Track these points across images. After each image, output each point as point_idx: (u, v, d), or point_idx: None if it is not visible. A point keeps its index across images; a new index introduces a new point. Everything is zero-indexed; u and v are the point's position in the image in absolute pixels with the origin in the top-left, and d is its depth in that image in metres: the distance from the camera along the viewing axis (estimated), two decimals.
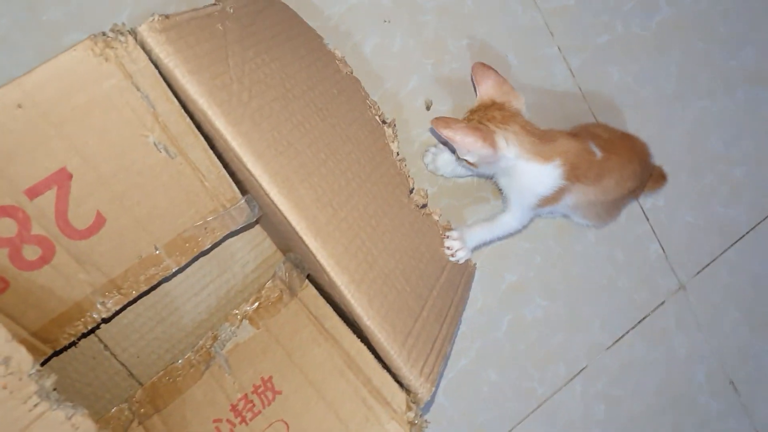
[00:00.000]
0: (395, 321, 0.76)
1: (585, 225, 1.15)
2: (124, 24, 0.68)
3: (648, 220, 1.27)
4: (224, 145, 0.70)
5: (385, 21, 1.09)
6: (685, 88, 1.30)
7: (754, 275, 1.36)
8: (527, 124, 0.91)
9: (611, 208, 1.07)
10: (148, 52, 0.67)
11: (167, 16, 0.68)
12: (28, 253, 0.70)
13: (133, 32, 0.66)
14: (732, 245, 1.35)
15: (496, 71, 0.94)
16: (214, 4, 0.75)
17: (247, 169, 0.70)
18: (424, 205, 0.89)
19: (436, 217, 0.91)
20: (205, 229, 0.82)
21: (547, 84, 1.19)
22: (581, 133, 1.01)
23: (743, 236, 1.36)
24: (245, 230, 0.94)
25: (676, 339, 1.30)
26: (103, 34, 0.65)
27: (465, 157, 0.89)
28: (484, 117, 0.90)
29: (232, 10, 0.74)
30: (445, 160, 1.06)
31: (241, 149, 0.69)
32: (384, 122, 0.89)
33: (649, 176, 1.08)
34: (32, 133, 0.65)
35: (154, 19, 0.66)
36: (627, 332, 1.27)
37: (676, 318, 1.30)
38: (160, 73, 0.68)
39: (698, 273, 1.32)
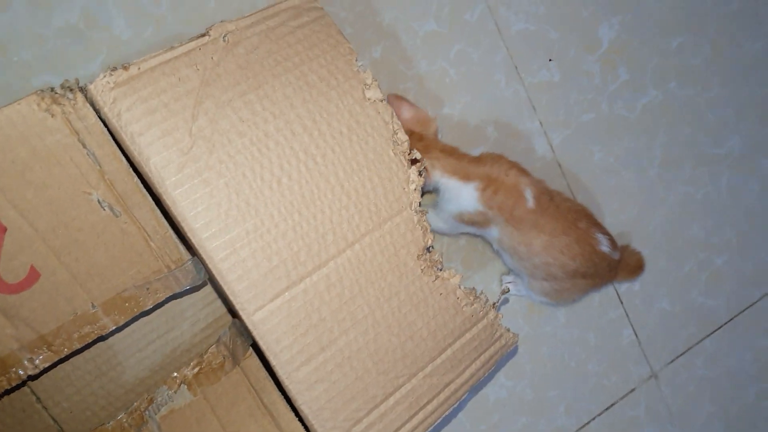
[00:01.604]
0: (339, 408, 0.72)
1: (538, 300, 1.13)
2: (77, 80, 0.66)
3: (622, 303, 1.24)
4: (169, 207, 0.68)
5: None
6: (669, 172, 1.28)
7: (731, 368, 1.32)
8: (446, 147, 0.97)
9: (550, 281, 1.03)
10: (97, 110, 0.65)
11: (127, 67, 0.66)
12: None
13: (84, 89, 0.65)
14: (709, 335, 1.31)
15: (407, 101, 0.98)
16: (203, 35, 0.71)
17: (187, 236, 0.67)
18: (440, 268, 0.79)
19: (453, 280, 0.80)
20: (147, 289, 0.78)
21: (527, 158, 1.17)
22: (534, 182, 0.99)
23: (721, 326, 1.32)
24: (192, 292, 0.91)
25: (645, 430, 1.25)
26: (52, 89, 0.64)
27: None
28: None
29: (226, 40, 0.70)
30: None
31: (181, 216, 0.66)
32: (414, 161, 0.79)
33: (604, 265, 1.04)
34: None
35: (106, 76, 0.64)
36: (594, 418, 1.22)
37: (646, 407, 1.26)
38: (110, 130, 0.66)
39: (672, 361, 1.28)
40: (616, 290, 1.23)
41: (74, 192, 0.69)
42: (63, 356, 0.77)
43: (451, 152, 0.96)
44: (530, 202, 0.95)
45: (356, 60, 0.77)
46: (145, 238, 0.75)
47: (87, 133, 0.66)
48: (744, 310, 1.33)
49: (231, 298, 0.69)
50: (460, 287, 0.79)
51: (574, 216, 1.00)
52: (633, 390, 1.25)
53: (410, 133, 0.93)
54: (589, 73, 1.23)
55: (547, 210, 0.97)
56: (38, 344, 0.74)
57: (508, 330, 0.84)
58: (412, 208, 0.77)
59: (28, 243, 0.68)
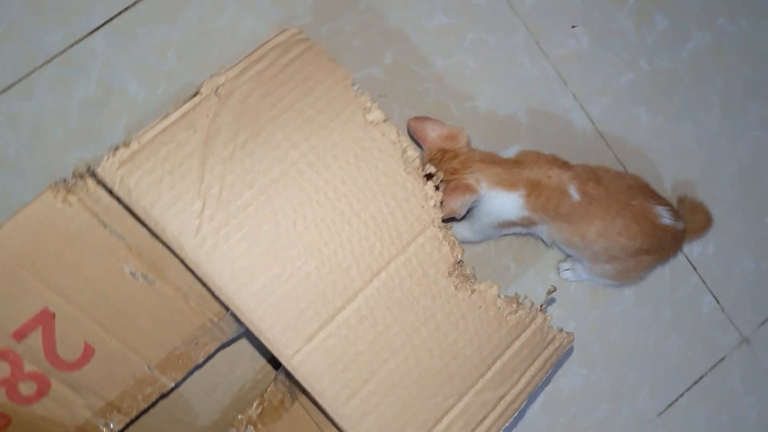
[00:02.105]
0: None
1: (602, 284, 1.07)
2: (87, 166, 0.69)
3: (696, 270, 1.15)
4: (192, 269, 0.69)
5: (381, 96, 1.05)
6: (732, 120, 1.17)
7: None
8: (485, 156, 0.93)
9: (613, 263, 0.97)
10: (109, 190, 0.68)
11: (128, 144, 0.68)
12: (24, 389, 0.73)
13: (92, 173, 0.67)
14: None
15: (430, 119, 0.93)
16: (195, 95, 0.72)
17: (215, 294, 0.69)
18: (474, 281, 0.76)
19: (491, 291, 0.76)
20: (196, 344, 0.81)
21: (565, 138, 1.11)
22: (576, 170, 0.94)
23: None
24: (240, 338, 0.94)
25: (744, 399, 1.17)
26: (64, 180, 0.67)
27: (461, 215, 0.91)
28: (447, 171, 0.91)
29: (219, 94, 0.71)
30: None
31: (206, 276, 0.68)
32: (429, 176, 0.76)
33: (669, 239, 0.96)
34: (10, 280, 0.68)
35: (110, 157, 0.66)
36: (682, 395, 1.15)
37: (741, 375, 1.17)
38: (125, 205, 0.69)
39: (764, 322, 1.18)
40: (687, 257, 1.15)
41: (107, 268, 0.72)
42: (133, 416, 0.82)
43: (491, 161, 0.92)
44: (575, 196, 0.91)
45: (352, 84, 0.75)
46: (183, 297, 0.78)
47: (105, 213, 0.69)
48: None
49: (267, 346, 0.70)
50: (500, 296, 0.76)
51: (626, 194, 0.94)
52: (723, 359, 1.16)
53: (443, 151, 0.92)
54: (622, 31, 1.14)
55: (596, 197, 0.92)
56: (108, 409, 0.79)
57: (561, 330, 0.80)
58: (435, 224, 0.75)
59: (77, 322, 0.72)
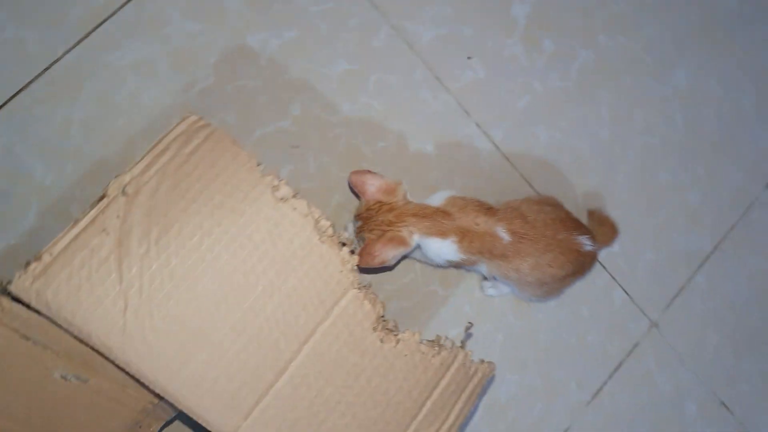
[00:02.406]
0: None
1: (528, 300, 1.16)
2: (1, 282, 0.69)
3: (605, 268, 1.25)
4: (123, 368, 0.71)
5: (294, 146, 1.09)
6: (621, 127, 1.27)
7: (728, 296, 1.33)
8: (418, 210, 0.98)
9: (543, 288, 1.06)
10: (27, 304, 0.69)
11: (39, 257, 0.69)
12: None
13: (6, 291, 0.68)
14: (698, 269, 1.32)
15: (370, 172, 0.98)
16: (102, 198, 0.74)
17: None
18: (397, 332, 0.82)
19: (414, 338, 0.82)
20: (140, 427, 0.83)
21: (473, 164, 1.18)
22: (502, 213, 1.01)
23: (708, 257, 1.33)
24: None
25: (659, 377, 1.28)
26: None
27: (392, 265, 0.99)
28: (383, 223, 0.96)
29: (127, 193, 0.72)
30: None
31: (137, 373, 0.70)
32: (343, 244, 0.81)
33: (589, 260, 1.06)
34: None
35: (22, 274, 0.67)
36: (605, 383, 1.25)
37: (654, 357, 1.28)
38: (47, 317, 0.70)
39: (668, 306, 1.30)
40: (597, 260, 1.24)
41: (37, 377, 0.73)
42: None
43: (422, 214, 0.97)
44: (506, 238, 0.98)
45: (258, 164, 0.78)
46: (120, 387, 0.79)
47: (25, 326, 0.70)
48: (726, 235, 1.33)
49: (207, 427, 0.73)
50: (422, 342, 0.82)
51: (552, 229, 1.00)
52: (637, 345, 1.27)
53: (380, 204, 0.97)
54: (513, 57, 1.21)
55: (524, 235, 0.99)
56: None
57: (482, 361, 0.87)
58: (355, 286, 0.80)
59: None
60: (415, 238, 0.96)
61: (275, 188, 0.78)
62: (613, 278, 1.26)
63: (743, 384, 1.33)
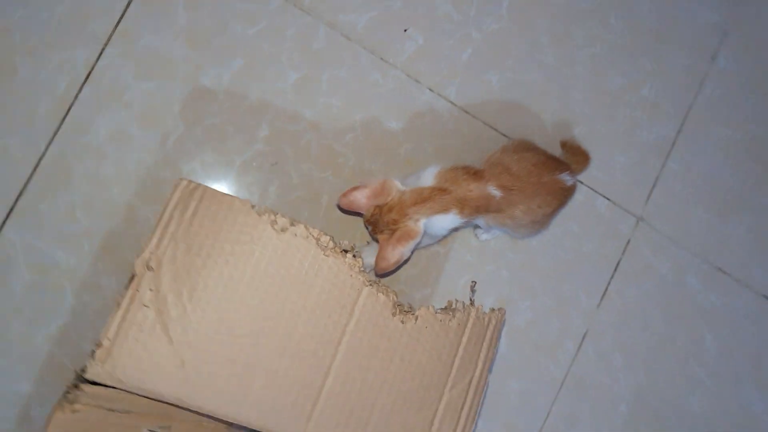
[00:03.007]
0: None
1: (521, 238, 1.27)
2: (76, 374, 0.81)
3: (583, 183, 1.35)
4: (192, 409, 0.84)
5: (273, 164, 1.17)
6: (564, 48, 1.34)
7: (704, 171, 1.43)
8: (415, 197, 1.03)
9: (535, 225, 1.16)
10: (103, 384, 0.80)
11: (100, 344, 0.80)
12: None
13: (82, 378, 0.79)
14: (669, 156, 1.42)
15: (354, 187, 1.02)
16: (131, 280, 0.84)
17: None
18: (413, 310, 0.93)
19: (429, 310, 0.93)
20: None
21: (437, 126, 1.26)
22: (488, 173, 1.09)
23: (675, 142, 1.42)
24: None
25: (656, 263, 1.41)
26: (65, 393, 0.79)
27: (407, 256, 1.05)
28: (389, 223, 1.03)
29: (152, 267, 0.81)
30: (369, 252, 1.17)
31: (207, 411, 0.82)
32: (345, 251, 0.92)
33: (571, 192, 1.16)
34: None
35: (92, 364, 0.78)
36: (609, 284, 1.38)
37: (648, 247, 1.40)
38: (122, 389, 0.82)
39: (649, 198, 1.40)
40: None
41: None
42: None
43: (421, 199, 1.03)
44: (498, 194, 1.06)
45: (252, 206, 0.87)
46: (197, 424, 0.92)
47: (108, 401, 0.82)
48: (686, 116, 1.42)
49: None
50: (437, 312, 0.94)
51: (535, 175, 1.09)
52: (629, 242, 1.39)
53: (379, 208, 1.03)
54: (446, 15, 1.27)
55: (513, 187, 1.07)
56: None
57: (493, 309, 0.99)
58: (366, 284, 0.90)
59: None
60: (422, 224, 1.03)
61: (273, 222, 0.87)
62: (593, 189, 1.36)
63: (733, 245, 1.45)
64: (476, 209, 1.07)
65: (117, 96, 1.11)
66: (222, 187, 1.15)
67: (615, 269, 1.39)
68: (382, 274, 1.06)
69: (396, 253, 1.01)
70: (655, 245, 1.41)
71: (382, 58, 1.23)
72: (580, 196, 1.35)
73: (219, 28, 1.16)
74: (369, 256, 1.11)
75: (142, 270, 0.84)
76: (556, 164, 1.13)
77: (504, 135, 1.30)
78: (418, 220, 1.04)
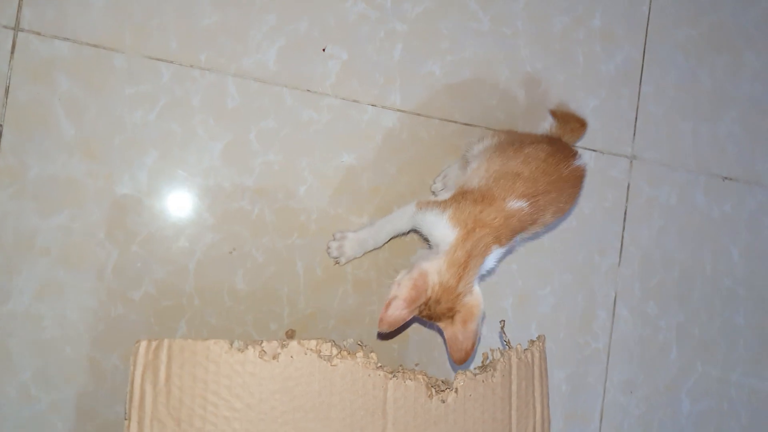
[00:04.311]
0: None
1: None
2: None
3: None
4: None
5: (231, 252, 1.02)
6: (495, 8, 1.19)
7: (673, 80, 1.32)
8: (454, 270, 0.87)
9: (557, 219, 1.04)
10: None
11: None
12: None
13: None
14: (641, 80, 1.30)
15: (387, 305, 0.83)
16: None
17: None
18: (447, 386, 0.82)
19: (466, 377, 0.82)
20: None
21: (394, 141, 1.12)
22: (498, 188, 0.92)
23: (643, 63, 1.30)
24: None
25: (662, 196, 1.31)
26: None
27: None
28: (444, 314, 0.88)
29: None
30: (349, 244, 1.04)
31: None
32: (359, 344, 0.80)
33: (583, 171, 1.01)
34: None
35: None
36: (622, 237, 1.28)
37: (649, 182, 1.30)
38: None
39: (634, 133, 1.29)
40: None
41: None
42: None
43: (459, 268, 0.87)
44: (524, 205, 0.91)
45: (230, 344, 0.73)
46: None
47: None
48: (646, 32, 1.29)
49: None
50: (474, 374, 0.82)
51: (552, 171, 0.94)
52: (629, 185, 1.28)
53: (426, 305, 0.86)
54: (362, 17, 1.10)
55: (535, 193, 0.92)
56: None
57: (533, 341, 0.87)
58: (389, 377, 0.78)
59: None
60: (477, 287, 0.89)
61: (262, 353, 0.73)
62: (574, 146, 1.24)
63: (730, 147, 1.36)
64: (512, 231, 0.91)
65: (27, 245, 0.93)
66: (183, 301, 1.00)
67: (624, 218, 1.28)
68: (461, 363, 0.90)
69: (469, 336, 0.86)
70: (655, 178, 1.30)
71: (308, 90, 1.07)
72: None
73: (115, 126, 0.97)
74: (351, 249, 1.03)
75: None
76: (565, 151, 0.99)
77: (467, 125, 1.16)
78: (472, 287, 0.88)
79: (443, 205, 0.91)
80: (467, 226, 0.88)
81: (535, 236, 1.08)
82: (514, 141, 0.99)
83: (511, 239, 0.93)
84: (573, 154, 0.99)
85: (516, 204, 0.91)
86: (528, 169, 0.93)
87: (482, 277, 0.95)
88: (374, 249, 1.06)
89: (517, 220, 0.91)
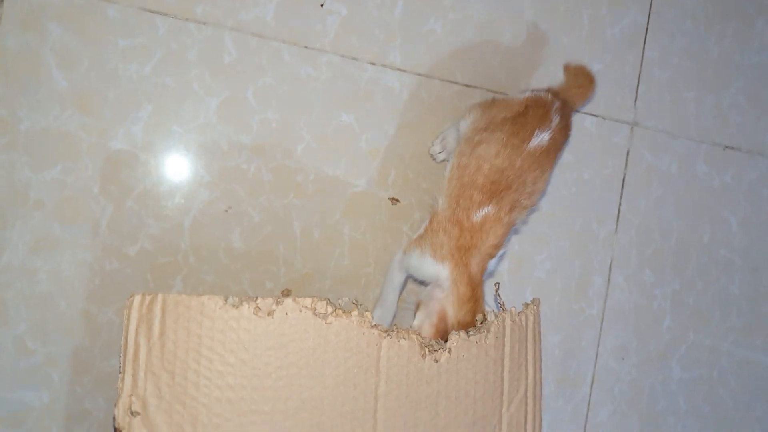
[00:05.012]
0: None
1: None
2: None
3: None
4: None
5: (227, 210, 1.01)
6: None
7: (681, 46, 1.29)
8: (460, 302, 0.88)
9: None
10: None
11: None
12: None
13: None
14: (645, 44, 1.27)
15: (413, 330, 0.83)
16: None
17: None
18: (441, 346, 0.81)
19: (460, 338, 0.81)
20: None
21: (396, 102, 1.10)
22: (461, 211, 0.91)
23: (647, 27, 1.27)
24: None
25: (662, 164, 1.30)
26: None
27: None
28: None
29: (137, 412, 0.68)
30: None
31: None
32: (354, 303, 0.79)
33: (567, 126, 1.00)
34: None
35: None
36: (620, 204, 1.27)
37: (650, 150, 1.29)
38: None
39: (636, 99, 1.27)
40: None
41: None
42: None
43: (468, 306, 0.88)
44: (491, 210, 0.91)
45: (224, 300, 0.72)
46: None
47: None
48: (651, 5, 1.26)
49: None
50: (469, 335, 0.82)
51: (505, 168, 0.91)
52: (628, 151, 1.27)
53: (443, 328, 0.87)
54: None
55: (497, 194, 0.91)
56: None
57: (527, 304, 0.87)
58: (383, 336, 0.78)
59: None
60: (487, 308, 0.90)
61: (256, 309, 0.73)
62: (576, 111, 1.22)
63: (734, 116, 1.34)
64: (496, 235, 0.91)
65: (21, 199, 0.92)
66: (179, 258, 0.99)
67: (622, 186, 1.27)
68: None
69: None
70: (656, 145, 1.29)
71: (306, 47, 1.04)
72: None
73: (109, 79, 0.95)
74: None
75: (126, 418, 0.70)
76: (525, 128, 0.94)
77: (468, 86, 1.14)
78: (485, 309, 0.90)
79: (420, 242, 0.91)
80: (454, 258, 0.88)
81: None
82: (486, 122, 0.97)
83: (503, 238, 0.92)
84: (530, 133, 0.93)
85: (482, 213, 0.90)
86: (481, 176, 0.91)
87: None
88: (394, 316, 1.03)
89: (492, 223, 0.90)
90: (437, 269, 0.89)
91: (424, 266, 0.91)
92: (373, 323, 0.77)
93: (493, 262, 0.93)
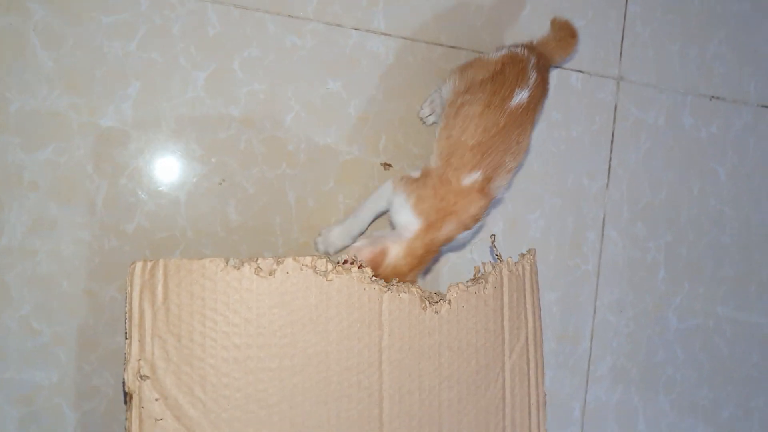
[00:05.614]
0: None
1: None
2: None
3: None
4: None
5: (220, 183, 1.02)
6: None
7: (664, 1, 1.30)
8: (408, 252, 0.91)
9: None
10: None
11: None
12: None
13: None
14: (627, 0, 1.28)
15: (360, 252, 0.87)
16: (131, 398, 0.72)
17: None
18: (440, 296, 0.83)
19: (458, 289, 0.83)
20: None
21: (380, 68, 1.10)
22: (453, 171, 0.92)
23: None
24: None
25: (650, 117, 1.31)
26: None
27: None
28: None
29: (146, 376, 0.70)
30: (336, 234, 1.04)
31: None
32: (346, 261, 0.81)
33: (545, 80, 1.00)
34: None
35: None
36: (610, 159, 1.28)
37: (636, 104, 1.30)
38: None
39: (621, 54, 1.28)
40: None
41: None
42: None
43: (414, 259, 0.91)
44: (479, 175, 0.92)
45: (225, 261, 0.73)
46: None
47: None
48: None
49: None
50: (466, 287, 0.83)
51: (489, 128, 0.92)
52: (615, 106, 1.28)
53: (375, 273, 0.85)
54: None
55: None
56: None
57: (523, 254, 0.89)
58: (384, 290, 0.79)
59: None
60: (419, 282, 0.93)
61: (258, 269, 0.74)
62: (561, 67, 1.23)
63: (718, 67, 1.35)
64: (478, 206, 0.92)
65: (15, 181, 0.93)
66: (177, 233, 1.00)
67: (611, 141, 1.29)
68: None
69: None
70: (642, 99, 1.30)
71: (290, 15, 1.04)
72: (551, 80, 1.22)
73: (95, 57, 0.95)
74: (338, 239, 1.02)
75: (136, 382, 0.71)
76: (506, 85, 0.94)
77: (453, 47, 1.14)
78: (417, 279, 0.94)
79: (408, 188, 0.93)
80: (429, 218, 0.90)
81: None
82: (466, 84, 0.97)
83: (483, 210, 0.94)
84: (510, 91, 0.94)
85: (471, 177, 0.91)
86: (468, 137, 0.91)
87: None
88: (360, 234, 1.03)
89: (477, 192, 0.92)
90: (411, 220, 0.91)
91: (402, 212, 0.93)
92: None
93: (466, 234, 0.94)
